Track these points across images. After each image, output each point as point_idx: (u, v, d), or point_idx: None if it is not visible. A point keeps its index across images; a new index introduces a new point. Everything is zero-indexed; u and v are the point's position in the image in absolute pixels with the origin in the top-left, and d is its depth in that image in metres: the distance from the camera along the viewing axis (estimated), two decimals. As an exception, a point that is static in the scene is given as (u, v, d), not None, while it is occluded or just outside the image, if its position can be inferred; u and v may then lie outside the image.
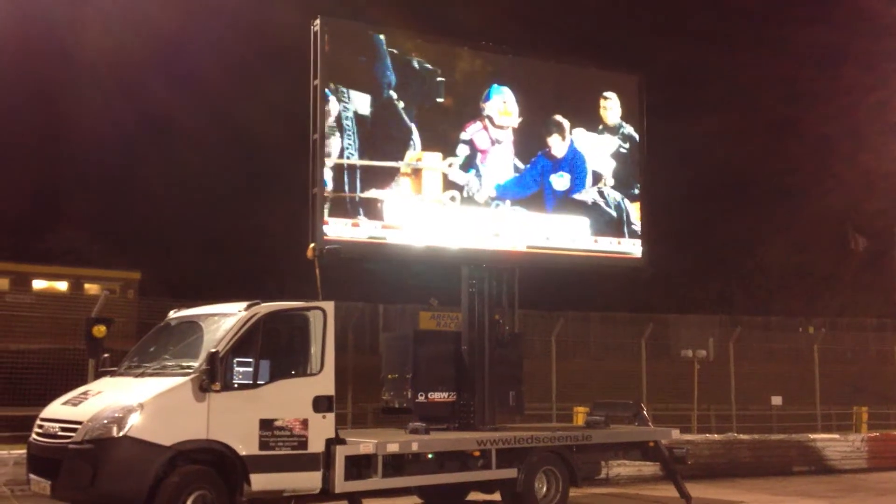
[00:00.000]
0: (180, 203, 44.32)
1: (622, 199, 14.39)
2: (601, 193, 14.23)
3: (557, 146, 13.93)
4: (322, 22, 12.17)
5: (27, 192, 42.00)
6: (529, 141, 13.69)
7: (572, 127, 14.03)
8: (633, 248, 14.51)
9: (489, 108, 13.36)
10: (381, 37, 12.63)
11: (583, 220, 14.06)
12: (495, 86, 13.45)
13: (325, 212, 11.92)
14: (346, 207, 12.10)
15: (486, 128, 13.30)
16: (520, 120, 13.59)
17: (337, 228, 12.03)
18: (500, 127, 13.39)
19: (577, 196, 13.99)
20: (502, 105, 13.45)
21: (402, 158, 12.62)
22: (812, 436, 19.82)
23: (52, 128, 42.65)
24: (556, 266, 14.46)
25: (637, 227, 14.51)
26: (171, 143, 45.38)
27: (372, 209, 12.28)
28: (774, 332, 29.47)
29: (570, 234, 13.95)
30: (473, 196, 13.11)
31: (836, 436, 20.17)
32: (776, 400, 23.62)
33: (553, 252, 13.84)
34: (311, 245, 11.89)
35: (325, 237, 11.92)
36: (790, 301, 40.74)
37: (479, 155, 13.20)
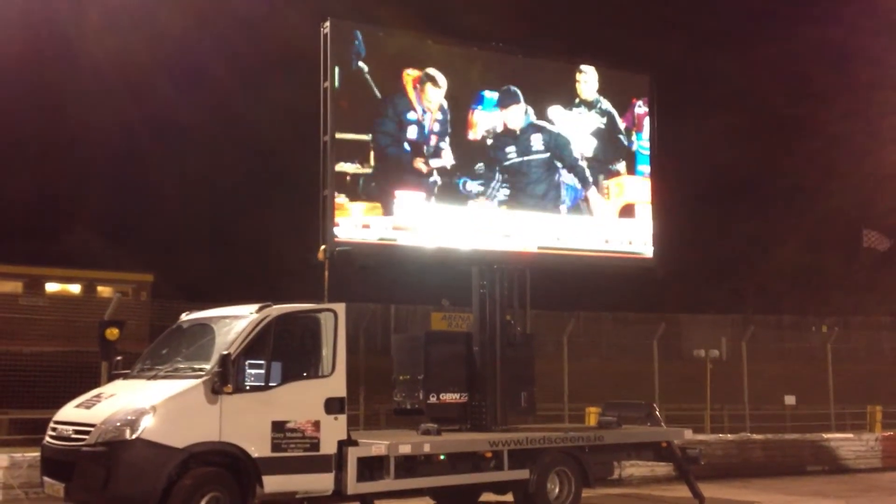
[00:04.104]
0: (192, 205, 44.52)
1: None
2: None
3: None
4: (332, 24, 12.20)
5: (39, 196, 42.23)
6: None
7: (548, 105, 13.85)
8: (644, 247, 14.48)
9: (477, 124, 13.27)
10: (358, 33, 12.42)
11: (592, 219, 14.04)
12: (485, 99, 13.31)
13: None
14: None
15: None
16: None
17: (347, 230, 12.03)
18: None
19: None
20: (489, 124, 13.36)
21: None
22: (826, 435, 19.74)
23: (64, 131, 42.88)
24: (567, 266, 14.43)
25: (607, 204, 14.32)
26: (182, 145, 45.60)
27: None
28: (787, 332, 29.34)
29: (581, 235, 13.93)
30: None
31: (850, 435, 20.09)
32: (789, 399, 23.50)
33: (564, 253, 13.82)
34: (322, 247, 11.92)
35: (336, 239, 11.94)
36: (803, 300, 40.56)
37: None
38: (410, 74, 12.69)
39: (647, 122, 14.77)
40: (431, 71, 12.83)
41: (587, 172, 14.05)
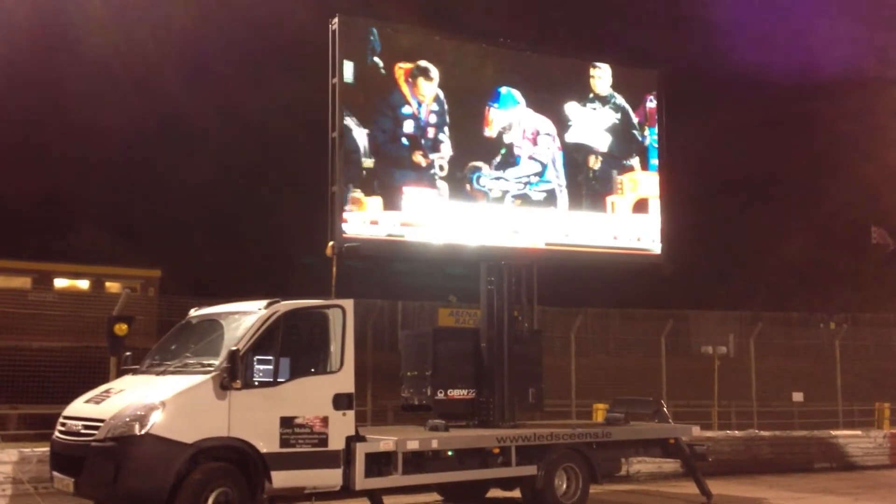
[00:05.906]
0: (200, 201, 44.55)
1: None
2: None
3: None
4: (340, 20, 12.21)
5: (48, 192, 42.32)
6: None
7: (562, 102, 13.88)
8: (652, 244, 14.47)
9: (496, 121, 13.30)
10: (374, 29, 12.50)
11: (601, 216, 14.03)
12: (501, 95, 13.35)
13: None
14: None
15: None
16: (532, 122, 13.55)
17: (355, 226, 12.05)
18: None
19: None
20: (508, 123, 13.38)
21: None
22: (834, 432, 19.69)
23: (72, 127, 42.92)
24: (575, 263, 14.44)
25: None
26: (190, 141, 45.67)
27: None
28: (795, 328, 29.24)
29: (589, 231, 13.91)
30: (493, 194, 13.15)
31: (858, 432, 20.03)
32: (797, 396, 23.44)
33: (572, 249, 13.82)
34: (330, 243, 11.93)
35: (344, 235, 11.95)
36: (811, 297, 40.47)
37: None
38: (402, 67, 12.66)
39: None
40: (423, 63, 12.80)
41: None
